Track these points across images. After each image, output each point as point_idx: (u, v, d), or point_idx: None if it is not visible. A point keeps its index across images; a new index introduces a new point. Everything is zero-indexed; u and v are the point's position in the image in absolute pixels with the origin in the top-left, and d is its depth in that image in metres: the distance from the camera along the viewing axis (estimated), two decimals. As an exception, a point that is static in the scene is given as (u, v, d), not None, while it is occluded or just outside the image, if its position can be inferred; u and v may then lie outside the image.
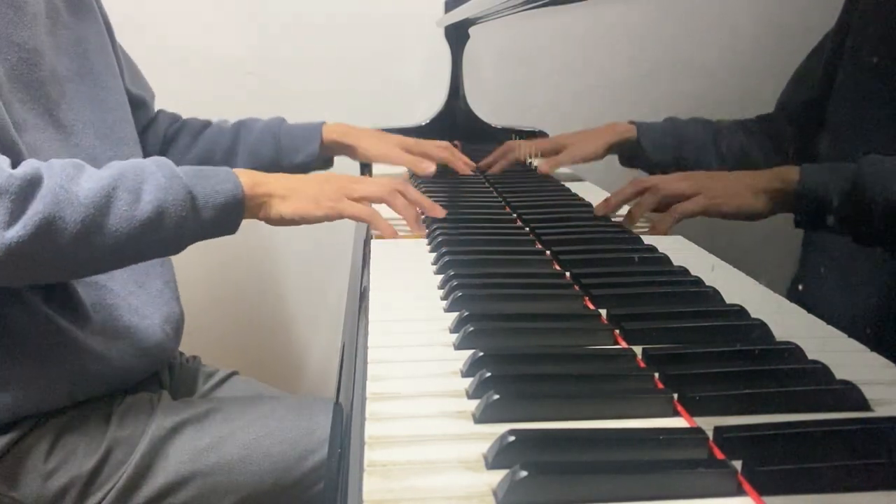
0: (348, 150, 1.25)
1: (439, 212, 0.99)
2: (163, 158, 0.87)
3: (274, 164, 1.21)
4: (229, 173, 0.87)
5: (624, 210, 0.95)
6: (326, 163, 1.28)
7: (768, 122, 0.66)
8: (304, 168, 1.23)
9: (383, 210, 0.97)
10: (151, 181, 0.82)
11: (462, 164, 1.29)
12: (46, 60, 0.90)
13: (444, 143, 1.30)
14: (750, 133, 0.69)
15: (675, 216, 0.85)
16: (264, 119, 1.25)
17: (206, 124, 1.24)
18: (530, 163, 1.40)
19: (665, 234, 0.87)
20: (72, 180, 0.78)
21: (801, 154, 0.61)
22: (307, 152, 1.21)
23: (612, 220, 0.97)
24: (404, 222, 0.98)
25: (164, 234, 0.82)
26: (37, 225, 0.75)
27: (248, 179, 0.88)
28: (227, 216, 0.86)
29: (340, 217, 0.93)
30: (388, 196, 0.96)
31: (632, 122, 0.93)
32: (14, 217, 0.75)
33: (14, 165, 0.78)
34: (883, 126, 0.51)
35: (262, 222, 0.92)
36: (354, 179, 0.97)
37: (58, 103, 0.92)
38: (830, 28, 0.55)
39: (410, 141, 1.25)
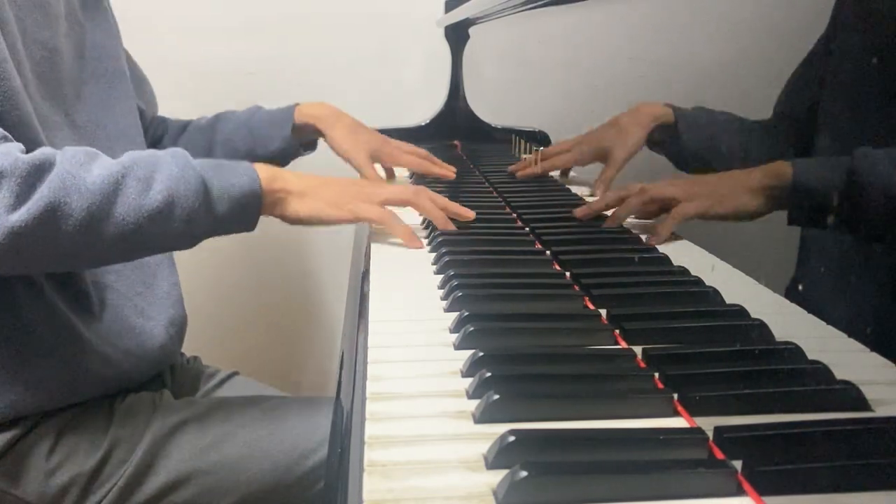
0: (322, 136, 1.20)
1: (469, 213, 0.95)
2: (179, 149, 0.85)
3: (250, 155, 1.15)
4: (248, 167, 0.85)
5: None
6: (308, 147, 1.23)
7: (773, 126, 0.65)
8: (282, 156, 1.17)
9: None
10: (164, 170, 0.80)
11: (439, 170, 1.22)
12: (65, 61, 0.91)
13: (423, 152, 1.24)
14: (769, 131, 0.68)
15: (675, 220, 0.83)
16: (241, 110, 1.21)
17: (187, 124, 1.22)
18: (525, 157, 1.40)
19: (665, 240, 0.85)
20: (82, 167, 0.77)
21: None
22: (280, 137, 1.16)
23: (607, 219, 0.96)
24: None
25: (174, 226, 0.80)
26: (41, 209, 0.74)
27: (267, 174, 0.86)
28: (242, 210, 0.84)
29: (357, 220, 0.91)
30: (412, 197, 0.93)
31: (668, 105, 0.87)
32: (19, 201, 0.73)
33: None
34: (874, 128, 0.51)
35: (270, 222, 0.90)
36: (376, 184, 0.95)
37: (73, 104, 0.92)
38: (822, 33, 0.55)
39: (385, 148, 1.20)
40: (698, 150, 0.83)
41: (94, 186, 0.76)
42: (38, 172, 0.75)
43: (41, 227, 0.74)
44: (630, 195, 0.90)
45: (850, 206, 0.53)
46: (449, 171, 1.23)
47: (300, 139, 1.19)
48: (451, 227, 0.93)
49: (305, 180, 0.90)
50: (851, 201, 0.53)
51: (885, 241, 0.51)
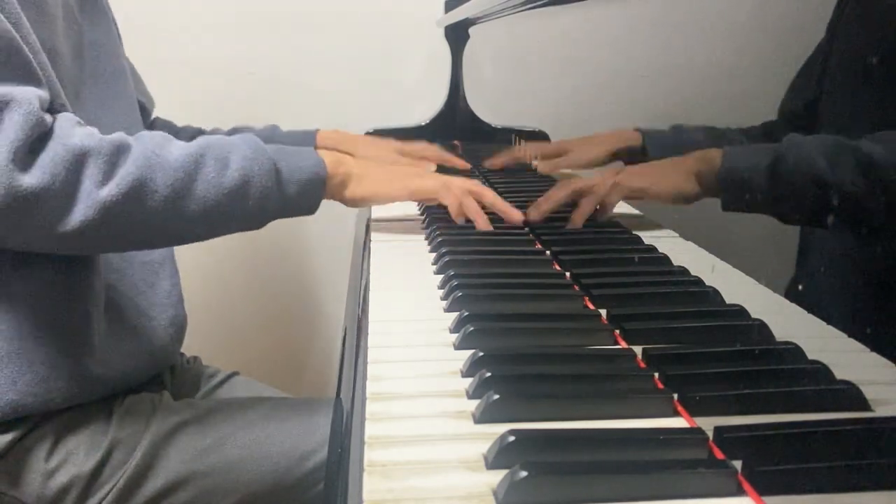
0: None
1: (517, 216, 0.97)
2: (248, 133, 0.89)
3: None
4: (312, 152, 0.90)
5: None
6: None
7: (773, 129, 0.66)
8: None
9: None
10: (238, 152, 0.84)
11: (460, 162, 1.30)
12: (63, 61, 0.91)
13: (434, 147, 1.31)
14: (754, 140, 0.69)
15: (614, 198, 0.92)
16: (258, 127, 1.24)
17: (200, 132, 1.23)
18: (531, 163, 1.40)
19: (607, 215, 0.94)
20: (162, 147, 0.81)
21: None
22: None
23: (611, 220, 0.97)
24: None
25: (248, 205, 0.84)
26: (129, 185, 0.77)
27: (330, 158, 0.91)
28: (310, 192, 0.88)
29: (411, 196, 0.96)
30: (460, 195, 0.95)
31: (637, 130, 0.92)
32: (107, 177, 0.77)
33: None
34: (873, 127, 0.51)
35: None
36: (426, 172, 1.00)
37: (72, 104, 0.93)
38: (823, 36, 0.55)
39: (406, 146, 1.26)
40: None
41: (176, 163, 0.80)
42: (119, 151, 0.79)
43: (129, 202, 0.78)
44: (578, 195, 0.95)
45: (777, 192, 0.54)
46: (465, 165, 1.32)
47: None
48: (490, 228, 0.95)
49: (363, 163, 0.95)
50: (777, 187, 0.53)
51: (810, 225, 0.52)
